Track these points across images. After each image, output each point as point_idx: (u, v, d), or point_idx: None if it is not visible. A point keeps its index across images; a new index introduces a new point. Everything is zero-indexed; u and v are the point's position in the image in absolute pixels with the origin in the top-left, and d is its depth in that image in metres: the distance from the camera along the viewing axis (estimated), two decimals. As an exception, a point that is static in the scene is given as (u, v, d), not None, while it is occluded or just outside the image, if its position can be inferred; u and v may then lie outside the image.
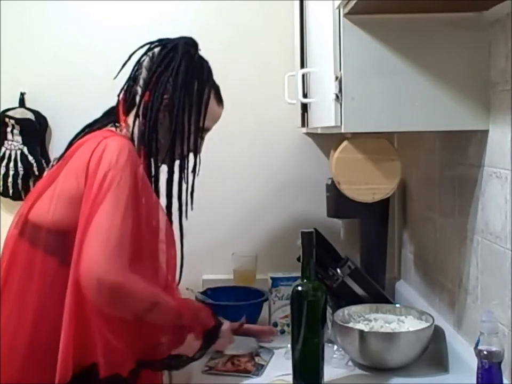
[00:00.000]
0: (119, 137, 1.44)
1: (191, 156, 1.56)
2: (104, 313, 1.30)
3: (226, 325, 1.59)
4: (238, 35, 2.31)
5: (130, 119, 1.51)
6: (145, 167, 1.47)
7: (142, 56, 1.55)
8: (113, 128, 1.52)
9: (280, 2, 2.27)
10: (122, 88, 1.55)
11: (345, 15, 1.38)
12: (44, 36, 2.33)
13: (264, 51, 2.32)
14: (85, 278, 1.26)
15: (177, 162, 1.54)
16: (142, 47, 1.56)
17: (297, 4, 2.06)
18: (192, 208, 1.57)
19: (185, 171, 1.55)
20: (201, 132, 1.55)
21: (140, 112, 1.49)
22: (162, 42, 1.55)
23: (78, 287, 1.28)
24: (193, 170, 1.56)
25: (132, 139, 1.48)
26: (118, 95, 1.56)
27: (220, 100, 1.62)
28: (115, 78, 1.55)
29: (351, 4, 1.29)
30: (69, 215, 1.35)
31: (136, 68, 1.55)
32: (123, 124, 1.51)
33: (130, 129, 1.49)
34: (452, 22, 1.39)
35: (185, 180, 1.55)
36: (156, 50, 1.54)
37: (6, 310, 1.39)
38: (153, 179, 1.50)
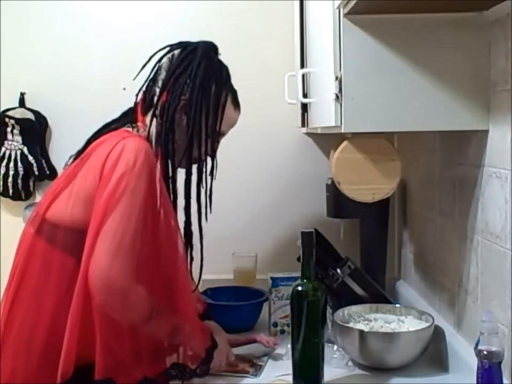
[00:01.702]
0: (137, 138, 1.43)
1: (208, 158, 1.56)
2: (108, 315, 1.31)
3: (222, 344, 1.56)
4: (238, 35, 2.31)
5: (148, 119, 1.51)
6: (162, 167, 1.47)
7: (162, 57, 1.55)
8: (130, 129, 1.52)
9: (280, 2, 2.27)
10: (141, 89, 1.56)
11: (345, 15, 1.38)
12: (44, 36, 2.34)
13: (264, 51, 2.32)
14: (93, 280, 1.28)
15: (195, 165, 1.55)
16: (162, 49, 1.56)
17: (297, 3, 2.06)
18: (211, 211, 1.57)
19: (204, 173, 1.55)
20: (217, 135, 1.56)
21: (157, 113, 1.50)
22: (183, 45, 1.56)
23: (87, 285, 1.30)
24: (211, 173, 1.56)
25: (148, 139, 1.48)
26: (136, 95, 1.56)
27: (236, 105, 1.62)
28: (134, 79, 1.55)
29: (351, 3, 1.29)
30: (86, 214, 1.35)
31: (155, 69, 1.55)
32: (140, 124, 1.52)
33: (147, 129, 1.49)
34: (452, 22, 1.39)
35: (204, 183, 1.55)
36: (176, 52, 1.55)
37: (23, 308, 1.40)
38: (170, 180, 1.50)
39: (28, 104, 2.33)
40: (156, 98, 1.51)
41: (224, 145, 2.32)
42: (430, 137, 1.80)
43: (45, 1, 2.31)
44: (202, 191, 1.54)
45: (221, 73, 1.56)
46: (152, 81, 1.54)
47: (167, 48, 1.56)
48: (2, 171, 2.32)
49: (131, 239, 1.31)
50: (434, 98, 1.40)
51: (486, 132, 1.40)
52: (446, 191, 1.68)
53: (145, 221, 1.35)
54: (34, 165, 2.31)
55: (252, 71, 2.31)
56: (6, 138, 2.32)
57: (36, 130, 2.32)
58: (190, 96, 1.49)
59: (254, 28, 2.32)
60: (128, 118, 1.56)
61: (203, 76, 1.50)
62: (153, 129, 1.49)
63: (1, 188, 2.33)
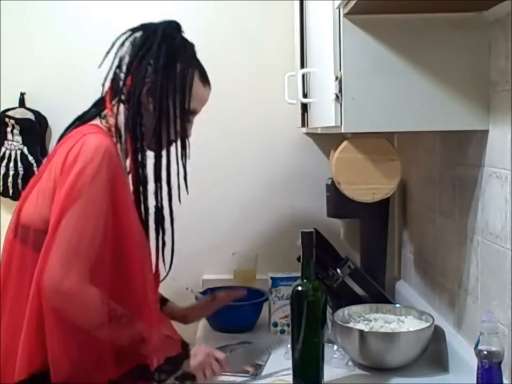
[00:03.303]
0: (98, 135, 1.41)
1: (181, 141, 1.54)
2: (56, 318, 1.31)
3: (200, 354, 1.51)
4: (238, 35, 2.31)
5: (116, 106, 1.50)
6: (133, 153, 1.46)
7: (124, 42, 1.54)
8: (99, 121, 1.50)
9: (280, 2, 2.27)
10: (107, 76, 1.54)
11: (345, 15, 1.38)
12: (44, 36, 2.33)
13: (264, 51, 2.32)
14: (44, 281, 1.28)
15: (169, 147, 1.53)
16: (124, 33, 1.54)
17: (297, 3, 2.06)
18: (187, 192, 1.55)
19: (176, 155, 1.52)
20: (187, 114, 1.52)
21: (123, 98, 1.49)
22: (144, 27, 1.54)
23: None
24: (184, 154, 1.54)
25: (117, 126, 1.48)
26: (103, 84, 1.54)
27: (205, 81, 1.58)
28: (99, 67, 1.54)
29: (351, 3, 1.29)
30: None
31: (119, 55, 1.53)
32: (109, 113, 1.50)
33: (115, 116, 1.48)
34: (452, 22, 1.39)
35: (179, 164, 1.52)
36: (137, 35, 1.53)
37: (5, 312, 1.39)
38: (140, 165, 1.48)
39: (28, 104, 2.33)
40: (121, 84, 1.50)
41: (224, 145, 2.33)
42: (430, 137, 1.80)
43: (45, 1, 2.31)
44: (174, 174, 1.52)
45: (185, 51, 1.53)
46: (118, 67, 1.53)
47: (129, 33, 1.54)
48: (2, 171, 2.32)
49: (87, 241, 1.31)
50: (434, 98, 1.40)
51: (486, 132, 1.40)
52: (446, 191, 1.68)
53: (105, 221, 1.34)
54: (34, 165, 2.31)
55: (251, 71, 2.31)
56: (6, 138, 2.32)
57: (35, 130, 2.32)
58: (154, 77, 1.47)
59: (254, 27, 2.32)
60: (98, 108, 1.55)
61: (166, 56, 1.48)
62: (121, 116, 1.48)
63: (1, 188, 2.33)
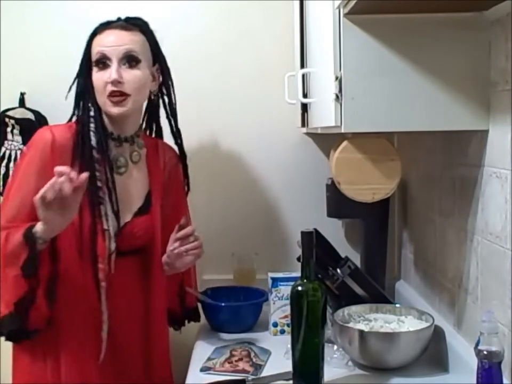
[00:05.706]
0: (46, 128, 1.74)
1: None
2: None
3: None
4: (238, 35, 2.31)
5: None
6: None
7: None
8: None
9: (280, 2, 2.27)
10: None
11: (345, 15, 1.38)
12: (44, 36, 2.33)
13: (264, 51, 2.32)
14: None
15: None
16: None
17: (297, 3, 2.06)
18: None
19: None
20: (96, 59, 1.77)
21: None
22: None
23: None
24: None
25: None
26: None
27: (102, 30, 1.82)
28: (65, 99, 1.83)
29: (351, 3, 1.29)
30: None
31: None
32: None
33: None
34: (452, 22, 1.39)
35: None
36: None
37: None
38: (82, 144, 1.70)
39: (28, 104, 2.33)
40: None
41: (224, 145, 2.33)
42: (430, 137, 1.80)
43: (44, 1, 2.31)
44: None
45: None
46: None
47: None
48: (2, 171, 2.32)
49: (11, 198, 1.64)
50: (434, 98, 1.40)
51: (486, 132, 1.40)
52: (446, 191, 1.68)
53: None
54: (34, 165, 2.31)
55: (252, 71, 2.31)
56: (6, 138, 2.32)
57: (35, 130, 2.31)
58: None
59: (254, 28, 2.31)
60: None
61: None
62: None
63: (1, 188, 2.33)
